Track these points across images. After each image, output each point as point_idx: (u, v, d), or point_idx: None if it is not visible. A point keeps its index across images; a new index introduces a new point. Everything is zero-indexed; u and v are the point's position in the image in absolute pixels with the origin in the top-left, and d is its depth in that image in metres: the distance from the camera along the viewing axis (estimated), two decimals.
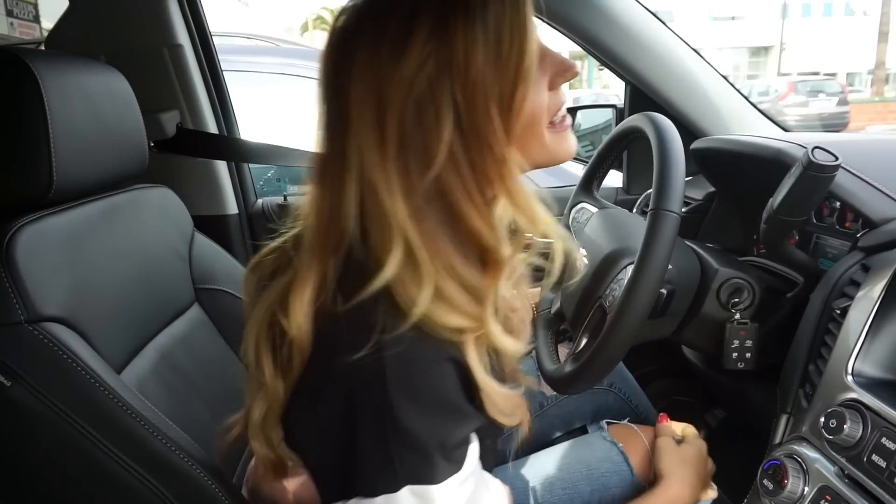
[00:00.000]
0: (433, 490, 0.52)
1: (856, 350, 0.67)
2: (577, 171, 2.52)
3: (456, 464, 0.54)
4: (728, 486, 1.02)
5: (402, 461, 0.52)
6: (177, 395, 0.95)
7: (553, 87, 0.58)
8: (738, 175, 1.18)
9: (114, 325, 0.85)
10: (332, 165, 0.54)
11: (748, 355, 0.92)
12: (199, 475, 0.75)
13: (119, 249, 0.93)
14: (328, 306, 0.52)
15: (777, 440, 0.77)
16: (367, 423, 0.52)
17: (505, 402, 0.56)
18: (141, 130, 1.02)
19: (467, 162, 0.51)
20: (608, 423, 1.05)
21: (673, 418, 1.06)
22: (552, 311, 1.17)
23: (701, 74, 1.36)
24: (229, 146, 1.44)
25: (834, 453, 0.64)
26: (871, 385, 0.65)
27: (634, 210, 1.50)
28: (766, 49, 28.99)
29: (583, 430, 1.23)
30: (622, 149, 1.10)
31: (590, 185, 1.19)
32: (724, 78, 1.39)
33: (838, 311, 0.75)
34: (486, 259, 0.54)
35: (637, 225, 1.05)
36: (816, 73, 21.94)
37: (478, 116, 0.50)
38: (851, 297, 0.74)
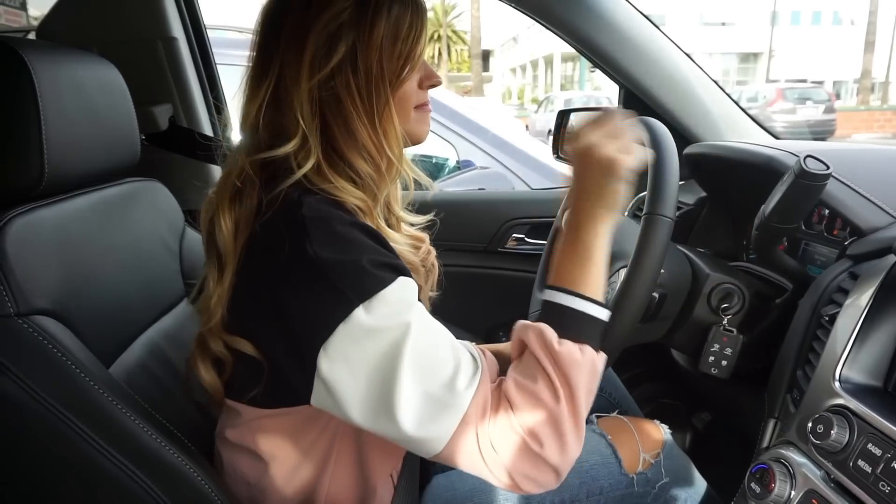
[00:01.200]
0: (383, 294, 0.62)
1: (843, 357, 0.68)
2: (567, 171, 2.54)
3: (396, 272, 0.65)
4: (715, 488, 1.03)
5: (345, 285, 0.62)
6: (165, 390, 0.94)
7: (421, 86, 0.78)
8: (730, 181, 1.19)
9: (103, 318, 0.85)
10: (257, 82, 0.74)
11: (724, 363, 0.93)
12: (187, 469, 0.75)
13: (110, 243, 0.92)
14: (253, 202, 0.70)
15: (764, 444, 0.78)
16: (302, 276, 0.63)
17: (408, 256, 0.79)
18: (133, 123, 1.01)
19: (357, 90, 0.71)
20: (598, 417, 1.06)
21: (660, 421, 1.07)
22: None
23: (694, 80, 1.37)
24: (220, 150, 1.43)
25: (820, 458, 0.65)
26: (857, 391, 0.66)
27: (626, 213, 1.51)
28: (756, 55, 29.25)
29: None
30: None
31: None
32: (717, 84, 1.41)
33: (826, 318, 0.76)
34: (376, 169, 0.74)
35: (629, 228, 1.05)
36: (804, 81, 22.16)
37: (370, 61, 0.71)
38: (840, 305, 0.75)
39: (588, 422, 1.06)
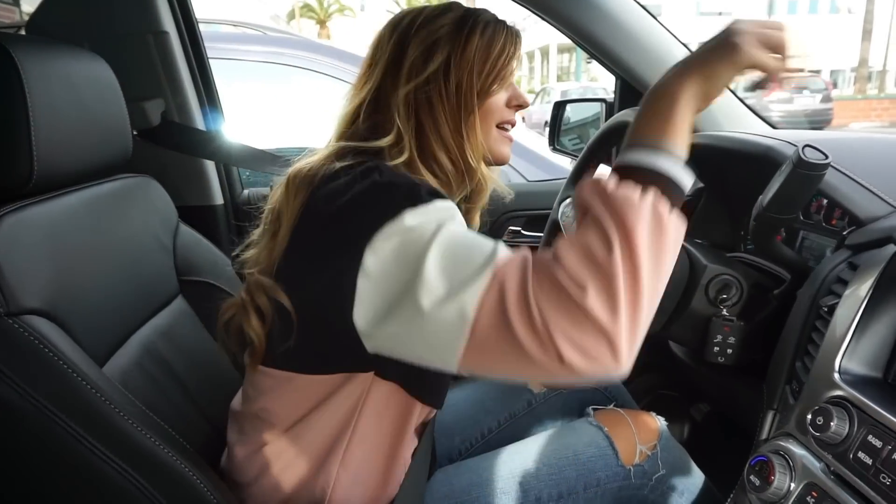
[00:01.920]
0: (432, 203, 0.65)
1: (843, 348, 0.68)
2: (564, 163, 2.52)
3: (439, 196, 0.67)
4: (713, 479, 1.03)
5: (400, 194, 0.66)
6: (160, 388, 0.93)
7: (509, 104, 0.85)
8: (728, 171, 1.19)
9: (96, 317, 0.84)
10: (362, 82, 0.84)
11: (729, 351, 0.93)
12: (183, 469, 0.74)
13: (102, 240, 0.91)
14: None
15: (763, 436, 0.77)
16: (361, 190, 0.68)
17: None
18: (125, 119, 1.00)
19: (447, 97, 0.79)
20: (594, 409, 1.06)
21: (658, 413, 1.07)
22: None
23: None
24: (214, 145, 1.41)
25: (820, 450, 0.65)
26: (857, 382, 0.66)
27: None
28: None
29: None
30: (613, 143, 1.10)
31: (580, 178, 1.18)
32: None
33: (825, 309, 0.75)
34: (457, 170, 0.81)
35: None
36: (801, 70, 22.04)
37: (461, 73, 0.79)
38: (839, 295, 0.75)
39: (584, 414, 1.05)
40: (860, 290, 0.70)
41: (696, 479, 1.00)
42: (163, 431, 0.76)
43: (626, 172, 0.61)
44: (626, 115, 0.98)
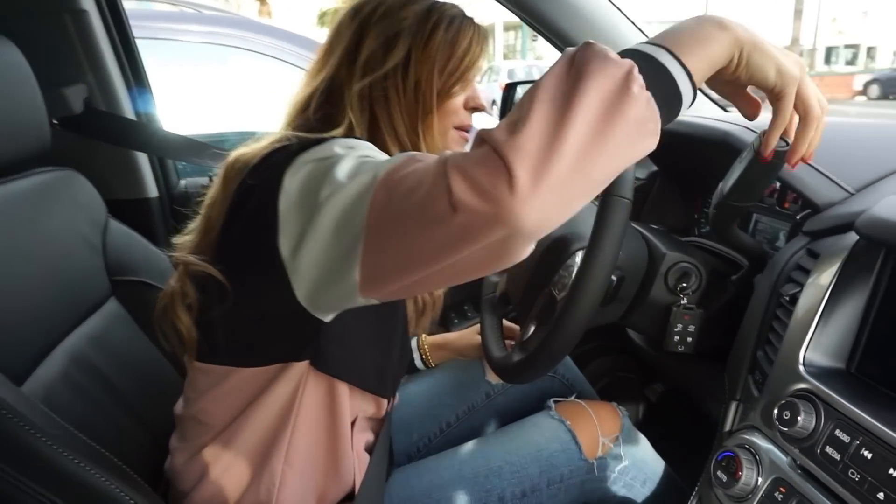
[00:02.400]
0: (356, 142, 0.65)
1: (807, 339, 0.66)
2: None
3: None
4: (669, 460, 1.03)
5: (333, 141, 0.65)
6: (92, 400, 0.86)
7: (465, 105, 0.81)
8: (683, 156, 1.17)
9: (13, 329, 0.76)
10: (317, 69, 0.78)
11: (689, 339, 0.92)
12: (113, 491, 0.67)
13: (17, 243, 0.83)
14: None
15: (727, 428, 0.76)
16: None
17: None
18: (40, 107, 0.90)
19: (405, 94, 0.75)
20: (555, 402, 1.04)
21: (614, 395, 1.06)
22: (497, 295, 1.13)
23: None
24: (144, 134, 1.31)
25: (787, 444, 0.64)
26: (821, 374, 0.65)
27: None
28: None
29: None
30: None
31: None
32: None
33: (787, 298, 0.74)
34: None
35: (584, 210, 1.02)
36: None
37: (421, 71, 0.75)
38: (799, 284, 0.74)
39: (546, 408, 1.03)
40: (822, 280, 0.68)
41: (657, 467, 1.00)
42: (91, 451, 0.69)
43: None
44: None
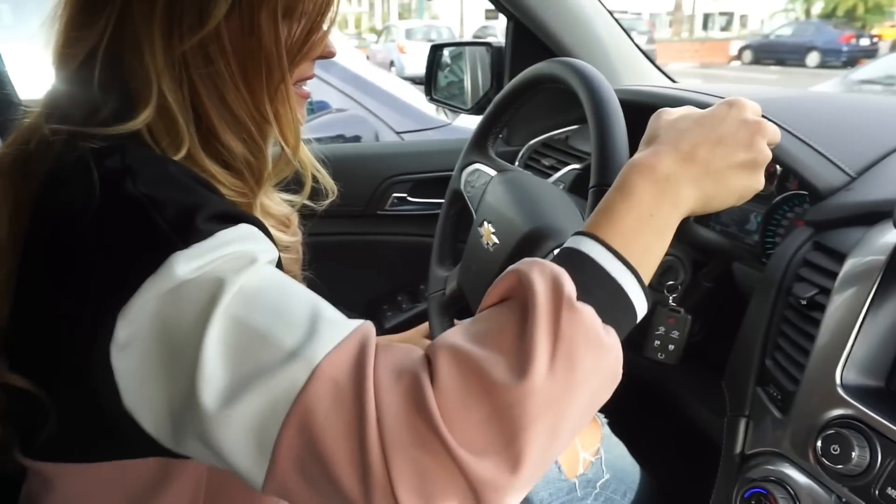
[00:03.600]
0: (217, 237, 0.43)
1: (844, 355, 0.58)
2: (428, 109, 2.33)
3: (241, 220, 0.46)
4: (644, 462, 0.96)
5: (167, 223, 0.43)
6: None
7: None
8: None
9: None
10: (89, 11, 0.50)
11: (671, 347, 0.82)
12: None
13: None
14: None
15: (738, 450, 0.68)
16: (110, 221, 0.44)
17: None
18: None
19: (240, 54, 0.51)
20: None
21: None
22: (447, 294, 1.00)
23: (593, 14, 1.22)
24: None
25: (833, 482, 0.55)
26: (863, 396, 0.56)
27: (517, 163, 1.35)
28: None
29: None
30: (527, 99, 0.93)
31: (484, 141, 1.00)
32: (614, 18, 1.26)
33: (803, 301, 0.65)
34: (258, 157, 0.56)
35: (551, 195, 0.90)
36: (625, 13, 23.43)
37: (261, 17, 0.50)
38: (815, 285, 0.65)
39: None
40: (857, 286, 0.60)
41: (635, 475, 0.93)
42: None
43: (579, 267, 0.47)
44: (553, 68, 0.82)
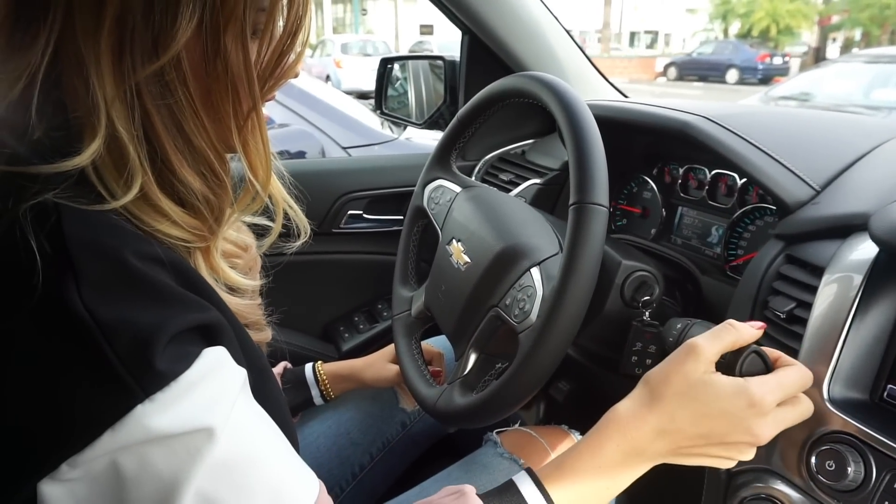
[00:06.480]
0: (182, 379, 0.39)
1: (830, 369, 0.58)
2: (372, 122, 2.29)
3: (206, 338, 0.43)
4: None
5: (126, 365, 0.38)
6: None
7: None
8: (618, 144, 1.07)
9: None
10: (27, 22, 0.43)
11: (649, 362, 0.82)
12: None
13: None
14: None
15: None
16: (51, 349, 0.39)
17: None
18: None
19: (202, 79, 0.46)
20: (499, 433, 0.90)
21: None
22: (413, 314, 0.96)
23: (548, 29, 1.22)
24: None
25: (828, 498, 0.55)
26: (849, 410, 0.56)
27: (473, 178, 1.34)
28: None
29: (451, 442, 1.07)
30: (492, 114, 0.91)
31: (447, 157, 0.98)
32: (567, 32, 1.27)
33: (782, 315, 0.66)
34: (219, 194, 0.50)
35: (520, 211, 0.88)
36: None
37: (227, 38, 0.45)
38: (792, 298, 0.66)
39: (488, 442, 0.89)
40: (838, 299, 0.60)
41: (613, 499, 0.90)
42: None
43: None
44: (522, 82, 0.80)
